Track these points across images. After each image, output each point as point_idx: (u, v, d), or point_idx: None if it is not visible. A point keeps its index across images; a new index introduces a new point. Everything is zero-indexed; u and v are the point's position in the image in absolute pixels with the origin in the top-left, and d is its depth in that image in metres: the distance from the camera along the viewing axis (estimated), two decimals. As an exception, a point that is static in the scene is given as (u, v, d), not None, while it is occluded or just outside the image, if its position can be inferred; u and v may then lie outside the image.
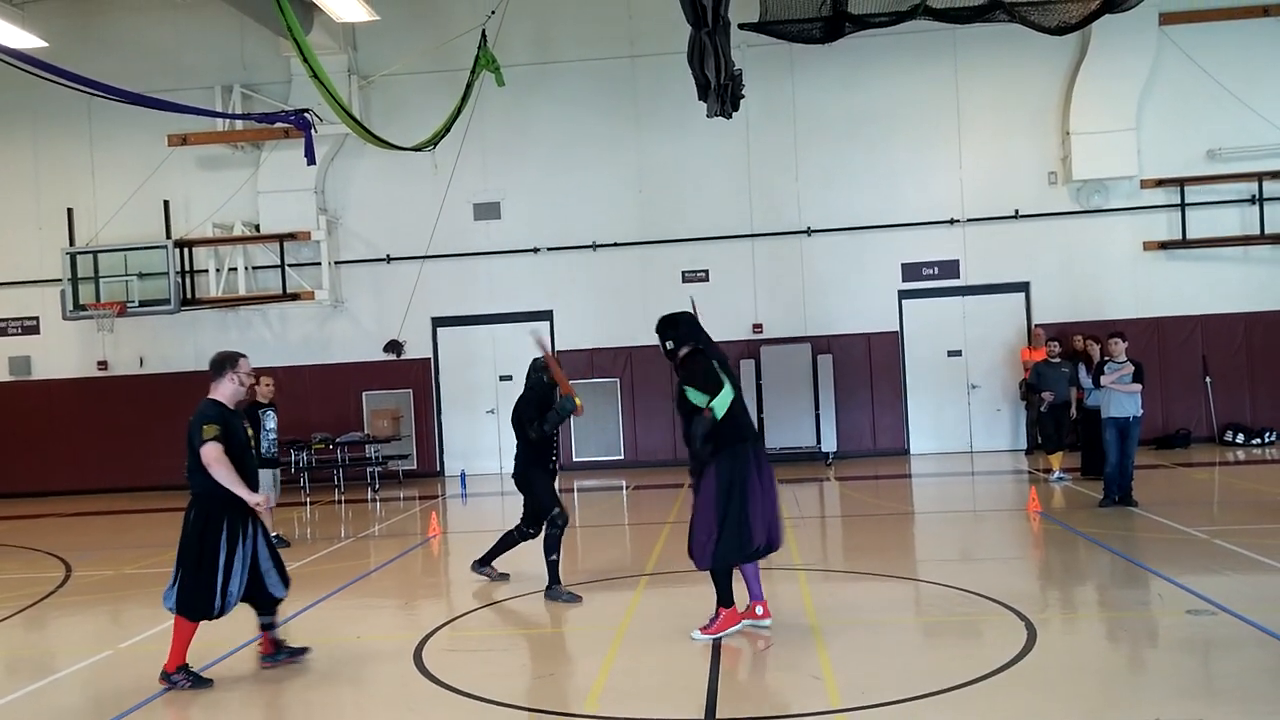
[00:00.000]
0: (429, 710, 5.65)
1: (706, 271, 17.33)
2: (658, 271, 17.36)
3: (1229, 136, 16.41)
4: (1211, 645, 6.16)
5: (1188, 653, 6.12)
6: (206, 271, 17.70)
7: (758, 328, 17.18)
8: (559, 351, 17.09)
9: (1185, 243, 16.49)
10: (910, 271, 17.11)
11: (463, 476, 16.62)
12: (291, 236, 17.29)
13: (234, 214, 17.63)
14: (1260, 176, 16.26)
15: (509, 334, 17.68)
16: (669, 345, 6.87)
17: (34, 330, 18.27)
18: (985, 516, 11.93)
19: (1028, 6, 9.18)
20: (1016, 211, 16.86)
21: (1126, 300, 16.66)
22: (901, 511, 12.32)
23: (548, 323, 17.54)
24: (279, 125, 15.36)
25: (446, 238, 16.72)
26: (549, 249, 17.56)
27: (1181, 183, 16.44)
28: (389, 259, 17.70)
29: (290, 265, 17.44)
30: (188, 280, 17.46)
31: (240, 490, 6.08)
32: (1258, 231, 16.36)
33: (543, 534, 8.18)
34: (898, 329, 17.19)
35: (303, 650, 6.60)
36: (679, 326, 6.89)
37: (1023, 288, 16.98)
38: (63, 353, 18.17)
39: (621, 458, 17.29)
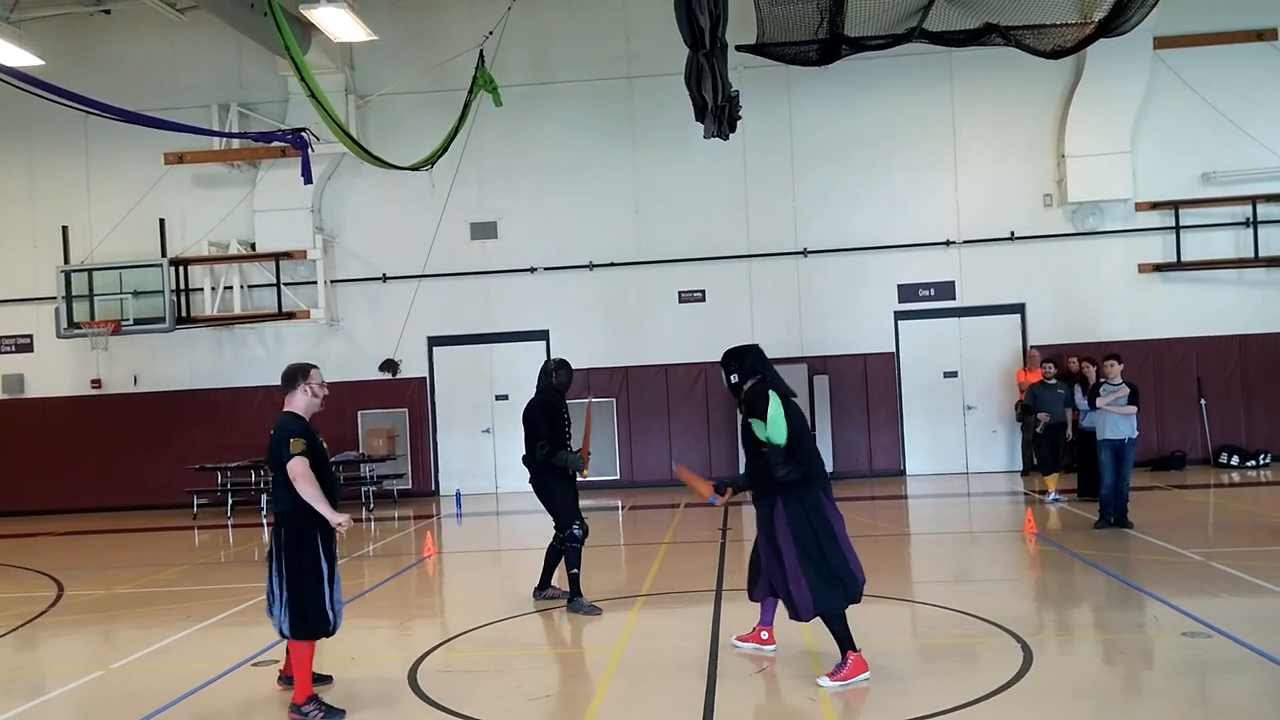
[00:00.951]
0: (422, 732, 5.61)
1: (703, 291, 17.36)
2: (654, 291, 17.39)
3: (1223, 160, 16.51)
4: (1207, 668, 6.14)
5: (1183, 675, 6.09)
6: (202, 290, 17.68)
7: (754, 348, 17.15)
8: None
9: (1180, 265, 16.55)
10: (906, 293, 17.15)
11: (458, 496, 16.56)
12: (287, 255, 17.30)
13: (230, 232, 17.65)
14: (1254, 200, 16.36)
15: (505, 353, 17.68)
16: (734, 379, 6.55)
17: (28, 348, 18.23)
18: (981, 538, 11.91)
19: (1023, 30, 9.26)
20: (1012, 233, 16.92)
21: (1121, 322, 16.71)
22: (898, 533, 12.29)
23: (544, 343, 17.54)
24: (276, 144, 15.35)
25: (443, 257, 16.73)
26: (546, 269, 17.58)
27: (1176, 205, 16.53)
28: (385, 278, 17.70)
29: (286, 284, 17.43)
30: (183, 298, 17.44)
31: (324, 509, 5.91)
32: (1252, 254, 16.43)
33: (564, 547, 8.21)
34: (894, 350, 17.21)
35: (327, 678, 6.53)
36: (744, 359, 6.56)
37: (1018, 309, 17.02)
38: (57, 371, 18.12)
39: (618, 478, 17.25)
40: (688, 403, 17.31)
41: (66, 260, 17.66)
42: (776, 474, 6.13)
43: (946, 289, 17.09)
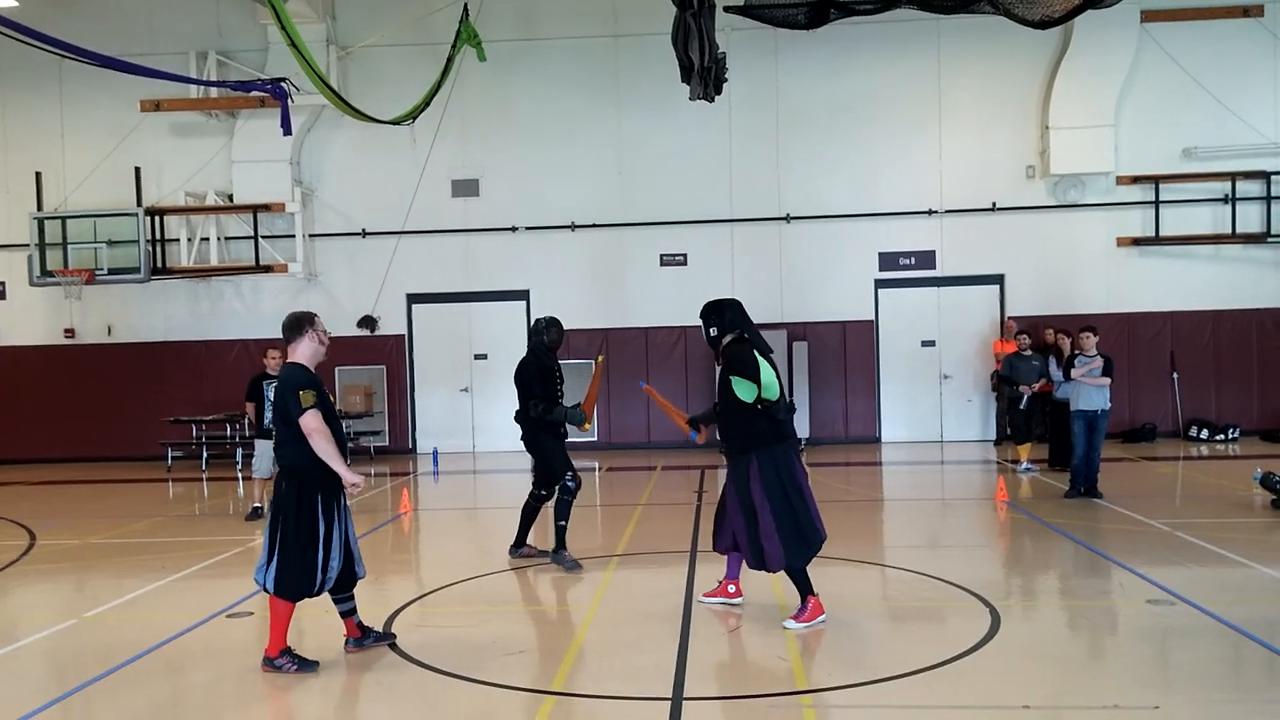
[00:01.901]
0: (396, 684, 5.65)
1: (685, 255, 17.33)
2: (636, 254, 17.35)
3: (1205, 136, 16.57)
4: (1170, 634, 6.26)
5: (1147, 641, 6.21)
6: (178, 241, 17.47)
7: (733, 312, 17.17)
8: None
9: (1158, 240, 16.66)
10: (887, 261, 17.19)
11: (435, 454, 16.56)
12: (265, 207, 17.11)
13: (207, 183, 17.42)
14: (1234, 176, 16.45)
15: (485, 313, 17.63)
16: (713, 331, 6.63)
17: (0, 296, 18.00)
18: (953, 505, 12.04)
19: (1012, -1, 9.20)
20: (994, 204, 16.96)
21: (1098, 295, 16.82)
22: (871, 498, 12.42)
23: (524, 303, 17.49)
24: (255, 94, 15.20)
25: (423, 214, 16.60)
26: (527, 228, 17.49)
27: (1157, 180, 16.60)
28: (364, 233, 17.56)
29: (264, 237, 17.26)
30: (158, 249, 17.23)
31: (338, 466, 5.71)
32: (1229, 230, 16.55)
33: (554, 499, 8.26)
34: (873, 318, 17.28)
35: (391, 635, 6.35)
36: (724, 312, 6.65)
37: (997, 280, 17.10)
38: (29, 319, 17.91)
39: (595, 439, 17.28)
40: (668, 366, 17.33)
41: (40, 207, 17.39)
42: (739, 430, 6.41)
43: (927, 258, 17.14)
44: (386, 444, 17.59)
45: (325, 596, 6.01)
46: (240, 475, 15.21)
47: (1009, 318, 16.47)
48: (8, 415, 17.76)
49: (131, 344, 17.76)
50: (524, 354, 8.53)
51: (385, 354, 17.70)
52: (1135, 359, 16.62)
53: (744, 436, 6.51)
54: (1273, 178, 16.42)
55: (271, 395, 10.24)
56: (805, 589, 6.46)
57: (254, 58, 17.14)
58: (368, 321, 17.49)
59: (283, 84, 11.74)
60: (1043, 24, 9.84)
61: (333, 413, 5.94)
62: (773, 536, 6.36)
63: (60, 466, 17.06)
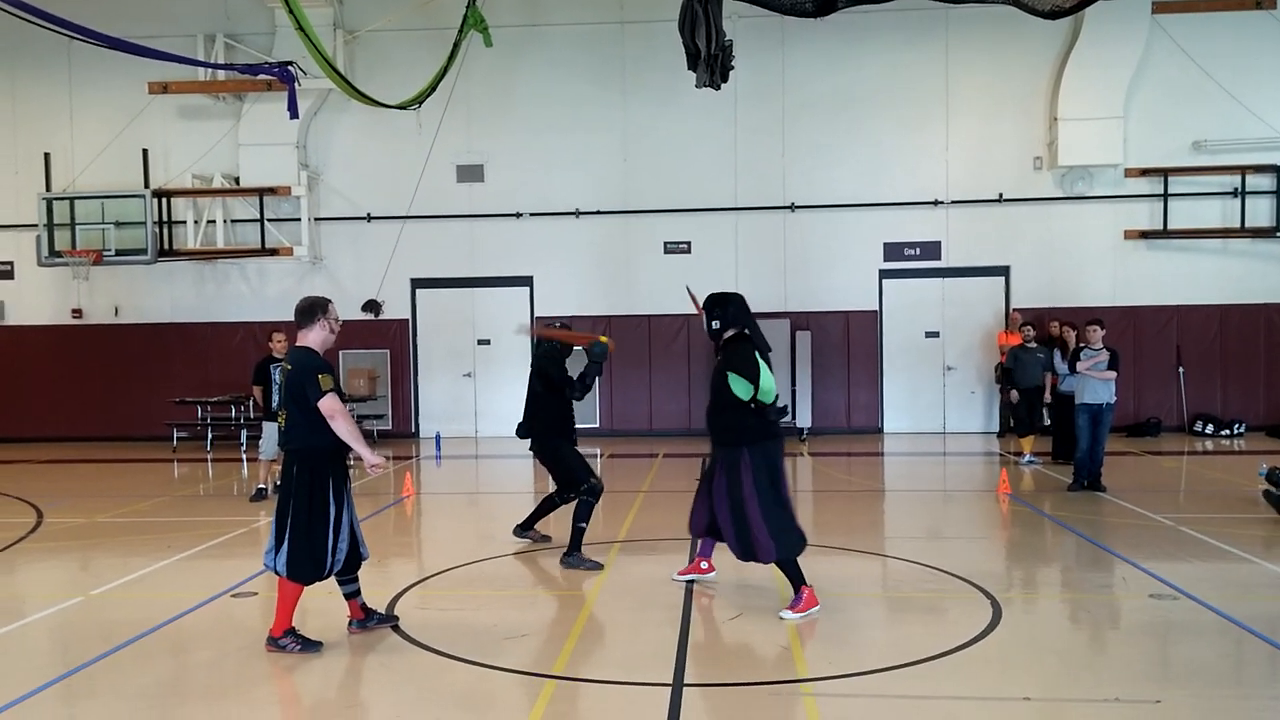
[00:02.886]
0: (399, 666, 5.67)
1: (689, 243, 17.31)
2: (640, 241, 17.33)
3: (1215, 129, 16.49)
4: (1172, 629, 6.27)
5: (1149, 636, 6.22)
6: (185, 223, 17.50)
7: (738, 301, 17.15)
8: (538, 318, 17.09)
9: (1166, 233, 16.61)
10: (892, 251, 17.15)
11: (438, 439, 16.59)
12: (272, 191, 17.11)
13: (214, 165, 17.42)
14: (1244, 170, 16.38)
15: (489, 298, 17.63)
16: (715, 324, 6.65)
17: (8, 275, 18.05)
18: (955, 496, 12.04)
19: (1022, -12, 9.14)
20: (1000, 195, 16.91)
21: (1105, 288, 16.78)
22: (873, 489, 12.42)
23: (528, 289, 17.50)
24: (262, 77, 15.13)
25: (428, 198, 16.58)
26: (531, 214, 17.47)
27: (1165, 173, 16.54)
28: (370, 217, 17.56)
29: (270, 220, 17.27)
30: (165, 231, 17.27)
31: (362, 448, 5.73)
32: (1238, 224, 16.49)
33: (575, 501, 8.08)
34: (877, 308, 17.25)
35: (394, 618, 6.41)
36: (729, 306, 6.67)
37: (1003, 271, 17.06)
38: (37, 299, 17.96)
39: (598, 426, 17.30)
40: (670, 354, 17.33)
41: (48, 188, 17.43)
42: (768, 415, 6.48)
43: (932, 249, 17.09)
44: (389, 428, 17.62)
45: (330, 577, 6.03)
46: (245, 457, 15.25)
47: (1014, 310, 16.44)
48: (15, 394, 17.83)
49: (138, 325, 17.81)
50: (534, 365, 8.33)
51: (389, 338, 17.72)
52: (1141, 353, 16.58)
53: (735, 431, 6.56)
54: (1282, 172, 16.37)
55: (278, 378, 10.23)
56: (798, 580, 6.50)
57: (261, 41, 17.13)
58: (372, 306, 17.50)
59: (290, 67, 11.69)
60: (1052, 14, 9.79)
61: (343, 397, 5.96)
62: (762, 528, 6.41)
63: (67, 446, 17.12)
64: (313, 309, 5.98)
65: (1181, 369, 16.79)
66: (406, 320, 17.78)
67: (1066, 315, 14.95)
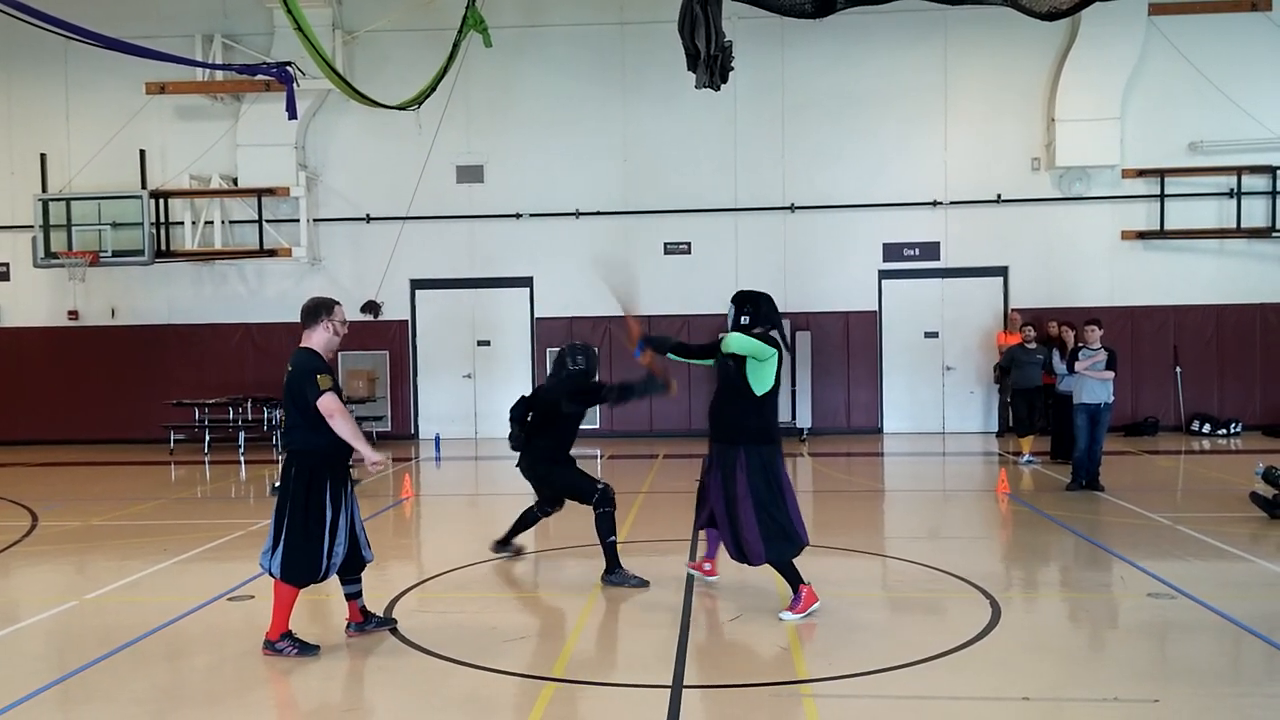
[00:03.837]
0: (397, 669, 5.66)
1: (689, 244, 17.31)
2: (640, 242, 17.32)
3: (1211, 130, 16.50)
4: (1170, 628, 6.27)
5: (1147, 635, 6.22)
6: (182, 224, 17.46)
7: (737, 302, 17.15)
8: (539, 319, 17.09)
9: (1163, 233, 16.62)
10: (891, 252, 17.16)
11: (437, 440, 16.58)
12: (270, 191, 17.09)
13: (211, 166, 17.39)
14: (1240, 171, 16.40)
15: (489, 299, 17.62)
16: (744, 320, 6.57)
17: (4, 277, 18.02)
18: (954, 496, 12.04)
19: (1020, -11, 9.14)
20: (999, 196, 16.92)
21: (1102, 288, 16.79)
22: (872, 489, 12.42)
23: (528, 289, 17.49)
24: (260, 77, 15.13)
25: (428, 199, 16.57)
26: (531, 215, 17.46)
27: (1162, 174, 16.55)
28: (369, 218, 17.54)
29: (268, 221, 17.25)
30: (162, 232, 17.23)
31: (362, 446, 5.70)
32: (1234, 225, 16.50)
33: (595, 517, 7.52)
34: (876, 309, 17.25)
35: (392, 621, 6.37)
36: (760, 305, 6.62)
37: (1001, 272, 17.07)
38: (33, 301, 17.92)
39: (597, 427, 17.28)
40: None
41: (45, 189, 17.39)
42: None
43: (932, 249, 17.10)
44: (389, 429, 17.60)
45: (327, 580, 6.02)
46: (243, 459, 15.23)
47: (1013, 310, 16.45)
48: (11, 397, 17.79)
49: (135, 326, 17.78)
50: (552, 380, 7.88)
51: (389, 339, 17.71)
52: (1138, 353, 16.59)
53: (735, 429, 6.55)
54: (1278, 172, 16.36)
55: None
56: (795, 580, 6.49)
57: (260, 41, 17.11)
58: (371, 307, 17.49)
59: (288, 68, 11.69)
60: (1050, 16, 9.78)
61: (341, 398, 5.91)
62: (753, 529, 6.40)
63: (63, 448, 17.09)
64: (316, 310, 5.95)
65: (1179, 369, 16.80)
66: (406, 321, 17.76)
67: (1064, 315, 14.97)
